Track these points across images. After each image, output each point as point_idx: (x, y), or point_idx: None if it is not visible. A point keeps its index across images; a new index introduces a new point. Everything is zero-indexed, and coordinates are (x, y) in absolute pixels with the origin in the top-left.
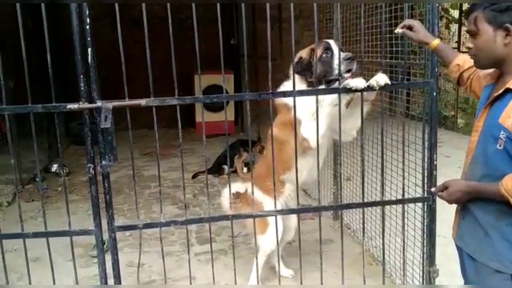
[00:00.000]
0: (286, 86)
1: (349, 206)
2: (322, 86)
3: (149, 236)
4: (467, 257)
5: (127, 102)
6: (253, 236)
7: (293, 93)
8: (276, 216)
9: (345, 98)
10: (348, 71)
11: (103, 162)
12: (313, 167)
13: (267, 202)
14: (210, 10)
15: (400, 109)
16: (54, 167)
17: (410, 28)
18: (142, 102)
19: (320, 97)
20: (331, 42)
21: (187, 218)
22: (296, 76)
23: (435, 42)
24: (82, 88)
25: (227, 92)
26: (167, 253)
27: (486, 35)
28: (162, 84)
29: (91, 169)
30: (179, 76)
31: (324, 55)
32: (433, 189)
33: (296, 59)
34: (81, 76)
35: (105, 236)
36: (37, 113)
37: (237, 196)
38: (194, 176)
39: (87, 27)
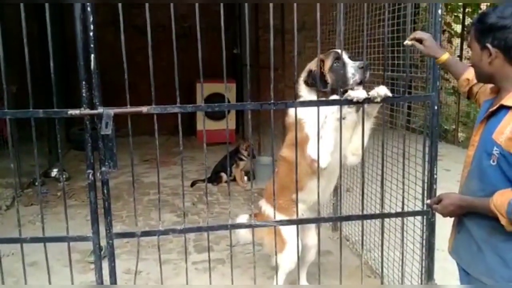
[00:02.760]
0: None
1: (348, 218)
2: (336, 96)
3: (147, 243)
4: (462, 271)
5: (129, 109)
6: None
7: (294, 104)
8: (297, 230)
9: (347, 110)
10: (359, 83)
11: (103, 169)
12: (326, 187)
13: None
14: (214, 19)
15: (401, 122)
16: (54, 172)
17: (420, 41)
18: (144, 109)
19: (325, 112)
20: (340, 51)
21: (186, 227)
22: (306, 89)
23: (445, 56)
24: (84, 94)
25: (229, 101)
26: (165, 261)
27: (475, 52)
28: (164, 91)
29: (90, 175)
30: (181, 84)
31: (335, 65)
32: (428, 201)
33: (305, 72)
34: (83, 82)
35: (102, 243)
36: (37, 118)
37: (253, 216)
38: (192, 184)
39: (91, 33)
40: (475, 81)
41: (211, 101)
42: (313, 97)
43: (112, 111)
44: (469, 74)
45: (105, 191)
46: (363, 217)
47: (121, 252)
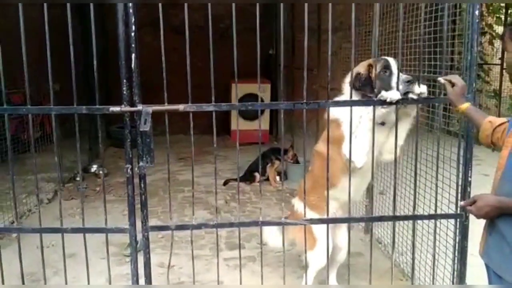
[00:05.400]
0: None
1: (380, 219)
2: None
3: (180, 238)
4: (493, 274)
5: (166, 106)
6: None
7: (327, 104)
8: (327, 230)
9: (381, 111)
10: (406, 93)
11: (141, 164)
12: (360, 186)
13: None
14: (250, 20)
15: (437, 124)
16: (94, 168)
17: (453, 84)
18: (180, 107)
19: (360, 112)
20: (390, 60)
21: (218, 222)
22: (351, 91)
23: (465, 105)
24: (124, 92)
25: (262, 101)
26: (197, 256)
27: (511, 54)
28: (200, 91)
29: (129, 170)
30: (217, 84)
31: (382, 73)
32: (461, 203)
33: (352, 75)
34: (124, 81)
35: (138, 237)
36: (79, 115)
37: (288, 216)
38: (225, 183)
39: (132, 34)
40: (498, 122)
41: (245, 101)
42: (357, 98)
43: (150, 108)
44: (490, 117)
45: (142, 185)
46: (395, 218)
47: (155, 246)
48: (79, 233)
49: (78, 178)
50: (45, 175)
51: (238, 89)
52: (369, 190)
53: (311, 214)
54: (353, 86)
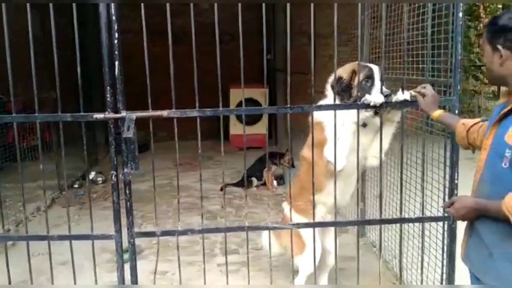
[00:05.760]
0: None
1: (367, 222)
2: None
3: (175, 244)
4: (474, 278)
5: (151, 113)
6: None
7: (311, 108)
8: (313, 234)
9: (365, 115)
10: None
11: (126, 170)
12: (345, 190)
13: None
14: (247, 25)
15: (421, 126)
16: (92, 175)
17: (423, 94)
18: (164, 113)
19: (343, 115)
20: (375, 69)
21: (203, 228)
22: (332, 93)
23: (438, 112)
24: (108, 99)
25: (259, 105)
26: (191, 262)
27: (487, 54)
28: (199, 96)
29: (113, 176)
30: (215, 89)
31: (363, 82)
32: (441, 205)
33: (334, 77)
34: (108, 88)
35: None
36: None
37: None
38: (222, 188)
39: (115, 41)
40: (470, 124)
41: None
42: (336, 101)
43: (134, 114)
44: (463, 120)
45: (127, 191)
46: (382, 222)
47: (149, 253)
48: (65, 240)
49: (76, 185)
50: (41, 183)
51: (237, 94)
52: (363, 193)
53: (299, 219)
54: (332, 89)
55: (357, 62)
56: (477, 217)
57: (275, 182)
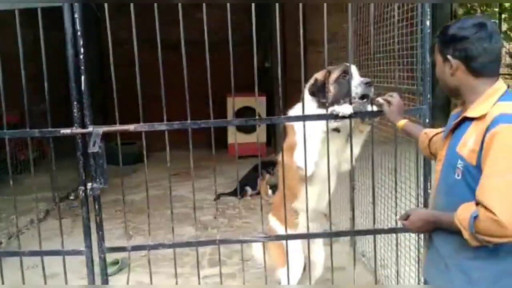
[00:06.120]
0: (297, 107)
1: (339, 234)
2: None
3: (163, 256)
4: None
5: (117, 127)
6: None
7: (279, 119)
8: (286, 247)
9: (333, 125)
10: (363, 97)
11: (94, 185)
12: (322, 195)
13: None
14: (244, 33)
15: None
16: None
17: (390, 103)
18: (131, 127)
19: (313, 123)
20: (353, 66)
21: (175, 242)
22: (310, 97)
23: (402, 122)
24: (75, 114)
25: (259, 115)
26: (178, 274)
27: (438, 65)
28: (195, 105)
29: (81, 192)
30: (213, 97)
31: (341, 77)
32: (397, 218)
33: (311, 80)
34: (75, 102)
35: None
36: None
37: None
38: (217, 198)
39: (81, 56)
40: (432, 133)
41: (242, 114)
42: (313, 105)
43: (101, 129)
44: (426, 129)
45: (96, 206)
46: (356, 233)
47: (135, 265)
48: (36, 256)
49: (71, 197)
50: (36, 195)
51: (235, 103)
52: (353, 202)
53: (280, 229)
54: (310, 92)
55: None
56: (434, 229)
57: (269, 191)
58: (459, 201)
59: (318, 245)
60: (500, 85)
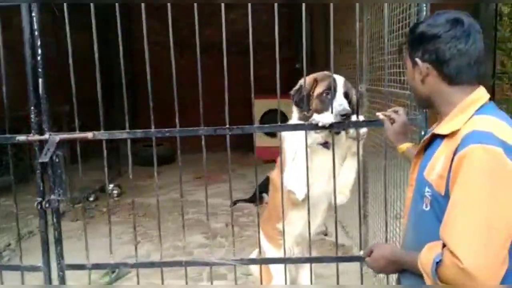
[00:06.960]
0: (294, 117)
1: (321, 260)
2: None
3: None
4: None
5: (76, 135)
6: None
7: (252, 128)
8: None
9: (315, 136)
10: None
11: (52, 197)
12: (312, 221)
13: (269, 252)
14: (274, 35)
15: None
16: (110, 187)
17: (393, 120)
18: (89, 135)
19: (300, 135)
20: (339, 81)
21: (138, 262)
22: (294, 107)
23: (404, 146)
24: (32, 120)
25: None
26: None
27: (408, 71)
28: (218, 110)
29: (37, 204)
30: (240, 100)
31: (324, 94)
32: (361, 252)
33: (297, 86)
34: (32, 108)
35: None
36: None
37: None
38: (234, 204)
39: (39, 57)
40: None
41: (269, 116)
42: (296, 115)
43: (57, 137)
44: None
45: (55, 220)
46: (338, 259)
47: (133, 274)
48: None
49: (91, 198)
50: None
51: (262, 105)
52: (366, 216)
53: (267, 245)
54: (293, 99)
55: (325, 72)
56: (400, 270)
57: None
58: (427, 238)
59: (305, 269)
60: (480, 95)
